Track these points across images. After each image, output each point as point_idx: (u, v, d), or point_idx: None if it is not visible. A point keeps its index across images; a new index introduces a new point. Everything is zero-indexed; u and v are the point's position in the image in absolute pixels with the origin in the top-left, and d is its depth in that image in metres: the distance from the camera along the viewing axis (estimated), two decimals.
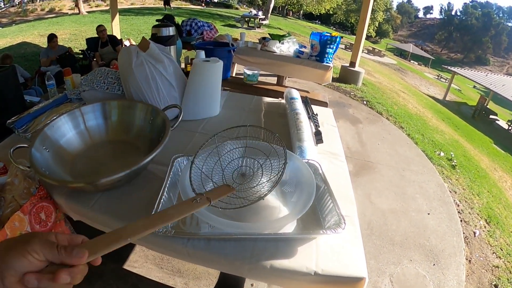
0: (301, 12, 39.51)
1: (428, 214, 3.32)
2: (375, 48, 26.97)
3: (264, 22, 18.10)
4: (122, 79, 1.54)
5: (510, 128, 18.30)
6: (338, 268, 0.89)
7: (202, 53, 1.99)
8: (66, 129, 1.29)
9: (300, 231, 1.00)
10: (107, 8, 20.14)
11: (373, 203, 3.30)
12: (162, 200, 0.97)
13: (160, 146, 1.10)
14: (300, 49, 3.91)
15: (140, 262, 2.14)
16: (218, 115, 1.77)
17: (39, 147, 1.14)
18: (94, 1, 23.96)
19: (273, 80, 4.34)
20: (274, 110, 1.90)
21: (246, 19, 16.77)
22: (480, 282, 2.76)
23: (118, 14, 8.12)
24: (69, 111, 1.33)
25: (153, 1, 25.09)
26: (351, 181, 1.33)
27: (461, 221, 3.35)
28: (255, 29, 15.64)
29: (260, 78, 3.09)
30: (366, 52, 24.12)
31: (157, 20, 4.94)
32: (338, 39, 3.50)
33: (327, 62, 3.61)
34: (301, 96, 1.88)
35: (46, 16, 18.87)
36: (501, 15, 67.68)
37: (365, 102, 6.31)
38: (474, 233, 3.31)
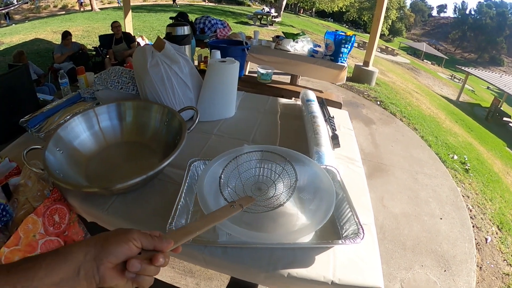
0: (314, 9, 39.30)
1: (441, 219, 3.27)
2: (388, 47, 26.60)
3: (276, 19, 18.01)
4: (136, 79, 1.52)
5: None
6: (355, 278, 0.88)
7: (218, 53, 1.96)
8: (80, 130, 1.28)
9: (317, 239, 0.97)
10: (119, 5, 20.34)
11: (385, 206, 3.26)
12: (179, 206, 0.95)
13: (177, 150, 1.07)
14: (315, 48, 3.85)
15: None
16: (233, 116, 1.74)
17: (53, 149, 1.13)
18: None
19: (286, 78, 4.30)
20: (290, 112, 1.86)
21: (259, 16, 16.67)
22: None
23: (131, 11, 8.13)
24: (83, 112, 1.31)
25: None
26: None
27: (473, 226, 3.30)
28: (268, 27, 15.53)
29: (273, 77, 3.06)
30: (379, 50, 23.84)
31: (170, 18, 4.92)
32: (353, 39, 3.45)
33: (341, 62, 3.56)
34: (317, 97, 1.84)
35: (59, 13, 19.08)
36: None
37: (378, 103, 6.24)
38: (486, 239, 3.25)
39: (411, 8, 71.27)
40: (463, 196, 3.79)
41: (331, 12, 32.34)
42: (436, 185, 3.86)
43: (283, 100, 2.03)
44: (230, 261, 0.91)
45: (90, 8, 19.55)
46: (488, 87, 32.22)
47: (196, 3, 27.46)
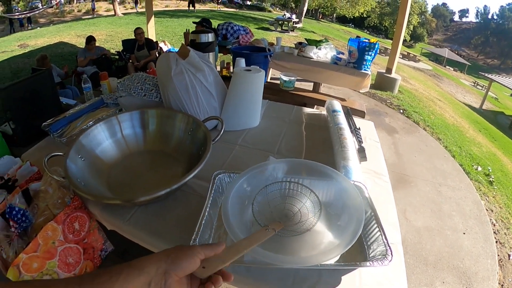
0: (334, 15, 39.11)
1: (464, 233, 3.14)
2: (409, 53, 26.13)
3: (297, 25, 17.98)
4: (160, 86, 1.51)
5: None
6: None
7: (243, 61, 1.93)
8: (102, 138, 1.26)
9: (343, 258, 0.92)
10: (142, 10, 20.69)
11: (408, 219, 3.16)
12: (203, 221, 0.91)
13: (202, 162, 1.04)
14: (338, 55, 3.79)
15: None
16: (258, 126, 1.70)
17: (74, 157, 1.12)
18: (129, 3, 24.64)
19: (308, 85, 4.24)
20: (315, 122, 1.81)
21: (280, 22, 16.65)
22: None
23: (153, 16, 8.22)
24: (106, 119, 1.30)
25: (187, 4, 25.43)
26: None
27: (496, 242, 3.16)
28: (289, 33, 15.49)
29: (295, 84, 3.01)
30: (401, 56, 23.45)
31: (193, 23, 4.92)
32: (376, 46, 3.37)
33: (365, 70, 3.49)
34: (342, 107, 1.79)
35: (83, 17, 19.53)
36: None
37: (401, 111, 6.10)
38: (509, 255, 3.11)
39: (432, 13, 69.92)
40: (487, 210, 3.64)
41: (352, 17, 32.14)
42: (460, 198, 3.73)
43: (308, 110, 1.98)
44: (254, 279, 0.88)
45: (104, 14, 20.01)
46: (511, 94, 31.36)
47: (215, 8, 27.70)
